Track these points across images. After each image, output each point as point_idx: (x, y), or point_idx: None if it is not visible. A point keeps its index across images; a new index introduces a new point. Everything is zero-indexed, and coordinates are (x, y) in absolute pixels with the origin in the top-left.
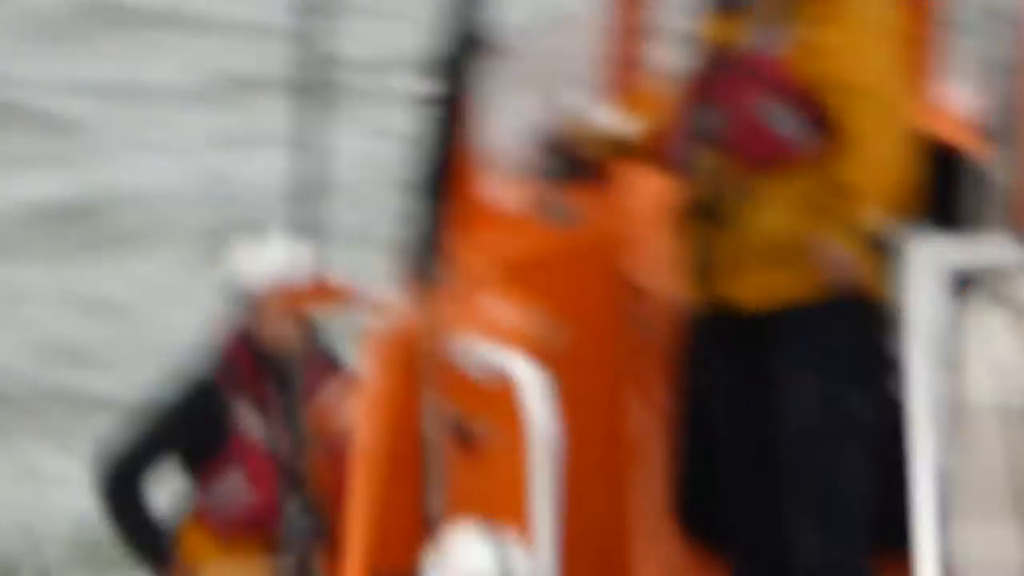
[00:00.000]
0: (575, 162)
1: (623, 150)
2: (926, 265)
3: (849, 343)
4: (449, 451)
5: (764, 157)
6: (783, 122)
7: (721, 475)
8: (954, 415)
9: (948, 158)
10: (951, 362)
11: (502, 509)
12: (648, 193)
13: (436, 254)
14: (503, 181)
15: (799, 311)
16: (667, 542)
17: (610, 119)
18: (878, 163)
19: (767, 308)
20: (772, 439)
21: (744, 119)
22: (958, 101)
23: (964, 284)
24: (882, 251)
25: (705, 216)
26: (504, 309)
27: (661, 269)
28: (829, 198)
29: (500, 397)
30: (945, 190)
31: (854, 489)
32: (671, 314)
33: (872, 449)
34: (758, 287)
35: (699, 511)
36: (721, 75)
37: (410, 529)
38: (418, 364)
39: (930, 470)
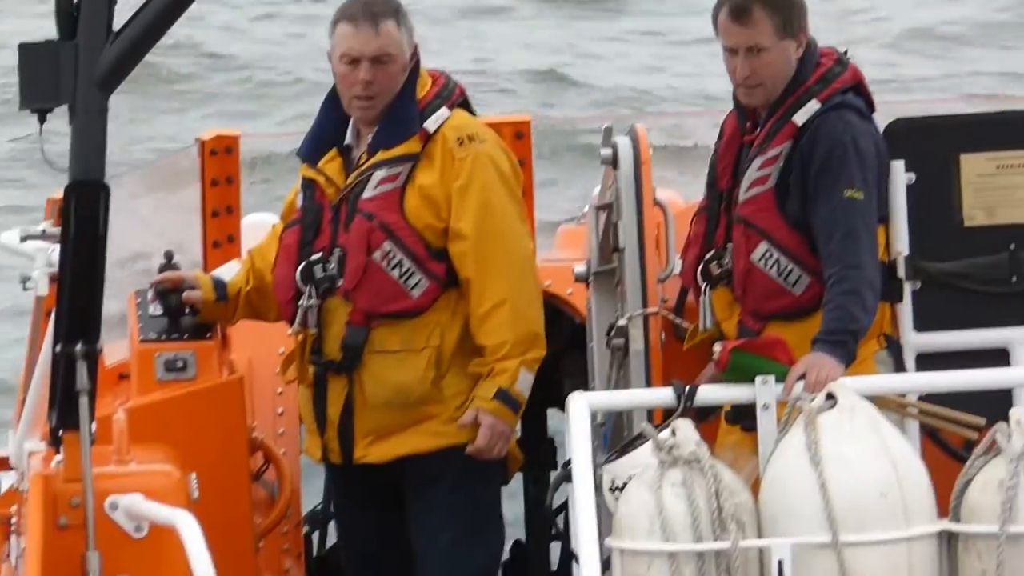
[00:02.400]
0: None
1: (227, 296)
2: (581, 413)
3: (481, 492)
4: None
5: (385, 307)
6: (404, 270)
7: None
8: None
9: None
10: None
11: None
12: (264, 344)
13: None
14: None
15: (429, 461)
16: None
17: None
18: (510, 313)
19: (395, 460)
20: None
21: (360, 266)
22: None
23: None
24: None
25: (329, 367)
26: (144, 463)
27: (279, 424)
28: (463, 352)
29: (155, 550)
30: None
31: None
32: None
33: None
34: (385, 441)
35: None
36: (335, 218)
37: None
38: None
39: None
